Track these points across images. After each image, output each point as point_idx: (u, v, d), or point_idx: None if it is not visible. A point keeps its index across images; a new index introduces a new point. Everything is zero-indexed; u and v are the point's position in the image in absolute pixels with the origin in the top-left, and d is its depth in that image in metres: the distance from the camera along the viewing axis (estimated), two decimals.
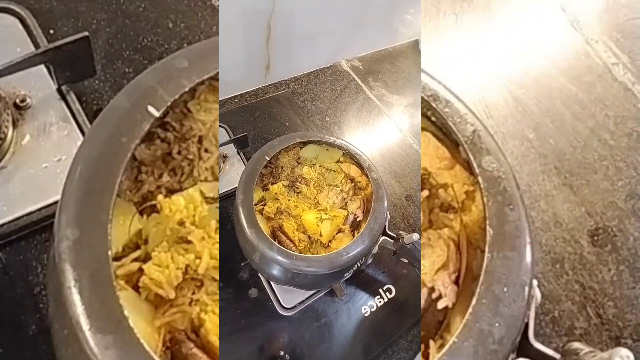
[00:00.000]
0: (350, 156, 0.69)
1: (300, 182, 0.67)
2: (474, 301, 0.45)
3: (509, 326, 0.45)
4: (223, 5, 0.82)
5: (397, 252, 0.66)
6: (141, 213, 0.52)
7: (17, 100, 0.77)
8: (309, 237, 0.63)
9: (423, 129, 0.58)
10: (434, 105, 0.53)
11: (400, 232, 0.64)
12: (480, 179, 0.50)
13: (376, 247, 0.65)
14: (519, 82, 0.99)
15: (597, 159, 0.91)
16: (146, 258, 0.50)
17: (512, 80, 0.99)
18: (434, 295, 0.52)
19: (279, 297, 0.75)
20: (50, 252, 0.47)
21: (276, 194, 0.65)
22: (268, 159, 0.66)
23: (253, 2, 0.89)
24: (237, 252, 0.74)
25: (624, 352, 0.43)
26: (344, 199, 0.66)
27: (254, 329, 0.71)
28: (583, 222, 0.85)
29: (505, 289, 0.46)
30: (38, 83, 0.79)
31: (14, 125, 0.75)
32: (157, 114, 0.48)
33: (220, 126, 0.92)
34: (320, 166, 0.69)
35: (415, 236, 0.61)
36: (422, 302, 0.52)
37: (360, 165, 0.68)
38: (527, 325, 0.49)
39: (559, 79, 1.00)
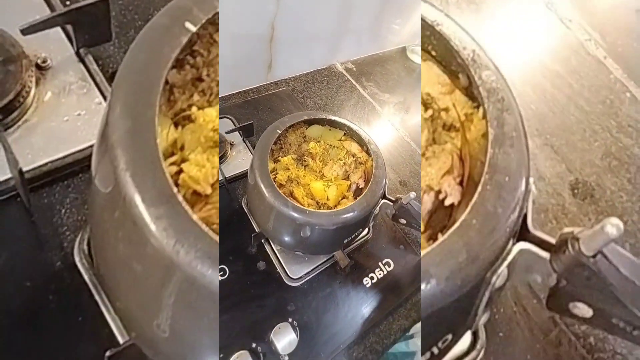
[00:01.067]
0: (351, 135, 0.76)
1: (307, 156, 0.74)
2: (479, 187, 0.51)
3: (511, 209, 0.51)
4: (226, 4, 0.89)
5: (396, 214, 0.72)
6: (176, 125, 0.57)
7: (39, 61, 0.82)
8: (317, 203, 0.69)
9: (425, 60, 0.64)
10: (437, 29, 0.60)
11: (399, 195, 0.70)
12: (481, 89, 0.56)
13: (377, 209, 0.71)
14: (501, 57, 1.07)
15: (574, 122, 0.99)
16: (182, 162, 0.55)
17: (494, 56, 1.07)
18: (441, 197, 0.58)
19: (286, 269, 0.79)
20: (99, 147, 0.52)
21: (286, 164, 0.71)
22: (280, 132, 0.73)
23: (258, 3, 0.97)
24: (245, 229, 0.80)
25: (614, 220, 0.48)
26: (347, 172, 0.73)
27: (263, 298, 0.76)
28: (564, 177, 0.92)
29: (507, 178, 0.52)
30: (57, 46, 0.85)
31: (37, 83, 0.80)
32: (193, 29, 0.53)
33: (226, 117, 0.99)
34: (324, 142, 0.75)
35: (412, 194, 0.68)
36: (430, 204, 0.58)
37: (360, 143, 0.74)
38: (525, 216, 0.55)
39: (537, 54, 1.08)
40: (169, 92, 0.58)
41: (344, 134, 0.77)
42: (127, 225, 0.47)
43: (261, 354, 0.70)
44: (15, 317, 0.67)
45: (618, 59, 1.07)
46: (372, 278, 0.83)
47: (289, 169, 0.71)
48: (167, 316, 0.50)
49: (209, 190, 0.53)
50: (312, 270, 0.80)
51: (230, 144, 0.92)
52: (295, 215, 0.64)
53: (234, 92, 1.08)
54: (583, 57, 1.07)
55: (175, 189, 0.46)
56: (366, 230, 0.87)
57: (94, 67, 0.83)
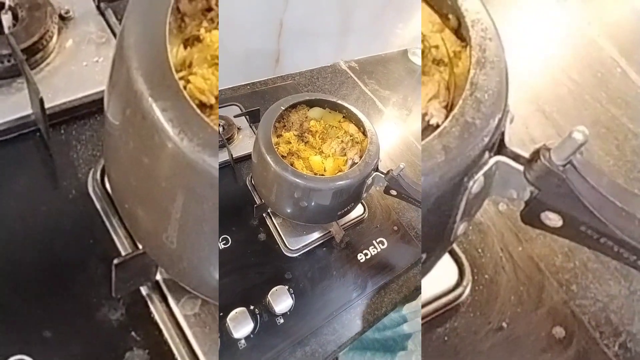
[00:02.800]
0: (350, 117, 0.82)
1: (307, 134, 0.79)
2: (460, 102, 0.55)
3: (489, 123, 0.55)
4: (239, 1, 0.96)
5: (387, 186, 0.77)
6: (185, 47, 0.62)
7: (62, 12, 0.88)
8: (315, 174, 0.74)
9: None
10: None
11: (390, 168, 0.76)
12: (467, 19, 0.61)
13: (370, 179, 0.76)
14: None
15: (566, 92, 1.04)
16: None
17: None
18: (427, 118, 0.63)
19: (285, 241, 0.84)
20: (115, 53, 0.57)
21: (288, 139, 0.77)
22: (283, 108, 0.79)
23: (268, 1, 1.06)
24: (249, 204, 0.86)
25: (580, 127, 0.53)
26: (344, 149, 0.78)
27: (262, 266, 0.81)
28: (554, 140, 0.96)
29: (486, 95, 0.56)
30: (79, 0, 0.91)
31: (59, 31, 0.86)
32: None
33: (234, 104, 1.05)
34: (324, 122, 0.81)
35: (402, 165, 0.74)
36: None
37: (357, 125, 0.80)
38: (503, 134, 0.59)
39: (534, 34, 1.13)
40: (180, 19, 0.63)
41: (343, 116, 0.82)
42: (137, 121, 0.52)
43: (258, 315, 0.74)
44: (30, 237, 0.73)
45: (611, 37, 1.12)
46: (366, 254, 0.87)
47: (290, 143, 0.76)
48: (175, 215, 0.55)
49: (212, 101, 0.58)
50: (309, 243, 0.85)
51: (238, 128, 0.99)
52: (296, 179, 0.69)
53: (242, 83, 1.15)
54: (577, 36, 1.12)
55: (181, 85, 0.51)
56: (362, 209, 0.92)
57: (113, 20, 0.90)
